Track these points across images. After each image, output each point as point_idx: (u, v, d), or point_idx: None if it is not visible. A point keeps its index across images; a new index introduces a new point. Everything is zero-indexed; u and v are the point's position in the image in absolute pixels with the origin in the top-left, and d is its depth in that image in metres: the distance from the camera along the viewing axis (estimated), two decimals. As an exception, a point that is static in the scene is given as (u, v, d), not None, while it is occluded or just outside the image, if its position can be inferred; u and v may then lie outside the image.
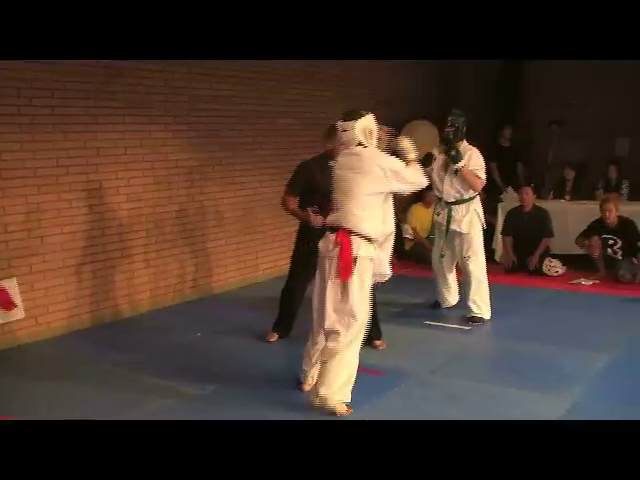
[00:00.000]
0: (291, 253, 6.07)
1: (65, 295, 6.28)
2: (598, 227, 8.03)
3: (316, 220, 5.41)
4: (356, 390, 4.78)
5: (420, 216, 9.34)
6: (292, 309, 6.00)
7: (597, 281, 7.91)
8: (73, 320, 6.34)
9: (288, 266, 6.10)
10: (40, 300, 6.09)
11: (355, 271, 4.37)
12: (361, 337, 4.50)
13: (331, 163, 5.03)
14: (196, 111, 7.34)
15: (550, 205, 8.84)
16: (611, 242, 7.95)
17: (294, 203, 5.73)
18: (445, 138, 6.33)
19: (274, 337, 6.04)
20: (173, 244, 7.26)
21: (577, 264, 8.24)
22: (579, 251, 8.26)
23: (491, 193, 9.86)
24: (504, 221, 8.73)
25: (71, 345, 5.99)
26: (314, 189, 5.52)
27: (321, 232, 4.81)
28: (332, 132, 5.28)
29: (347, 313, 4.39)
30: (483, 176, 6.32)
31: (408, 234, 9.06)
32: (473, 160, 6.27)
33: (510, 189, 9.67)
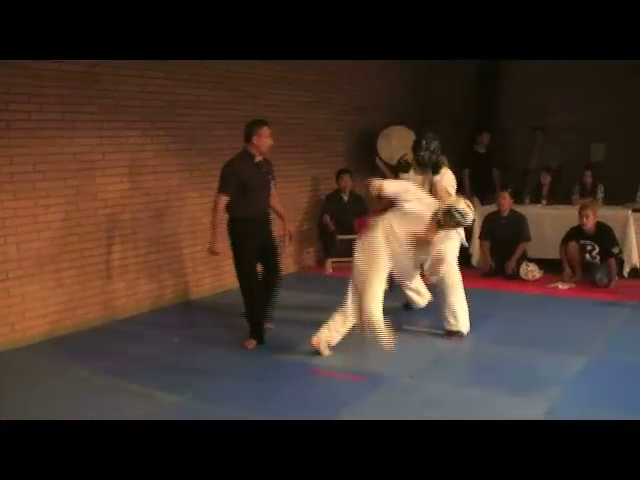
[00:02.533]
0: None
1: (42, 302, 6.23)
2: (576, 233, 8.09)
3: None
4: (335, 395, 4.81)
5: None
6: (258, 309, 6.02)
7: (574, 285, 7.98)
8: (50, 327, 6.30)
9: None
10: (16, 307, 6.04)
11: None
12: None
13: (255, 160, 5.81)
14: (174, 116, 7.33)
15: (527, 210, 8.90)
16: (589, 248, 8.01)
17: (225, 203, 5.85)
18: (420, 162, 6.35)
19: (251, 344, 6.02)
20: (150, 250, 7.24)
21: (554, 268, 8.30)
22: (556, 256, 8.32)
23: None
24: (481, 225, 8.78)
25: (48, 352, 5.94)
26: (247, 186, 5.77)
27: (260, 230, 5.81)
28: (251, 132, 5.86)
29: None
30: (453, 193, 6.34)
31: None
32: (446, 177, 6.33)
33: (475, 199, 9.54)
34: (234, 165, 5.86)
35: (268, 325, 6.19)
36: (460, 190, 9.59)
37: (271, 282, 6.19)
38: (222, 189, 5.80)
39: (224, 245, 5.95)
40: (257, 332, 6.02)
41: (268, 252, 6.13)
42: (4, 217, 5.88)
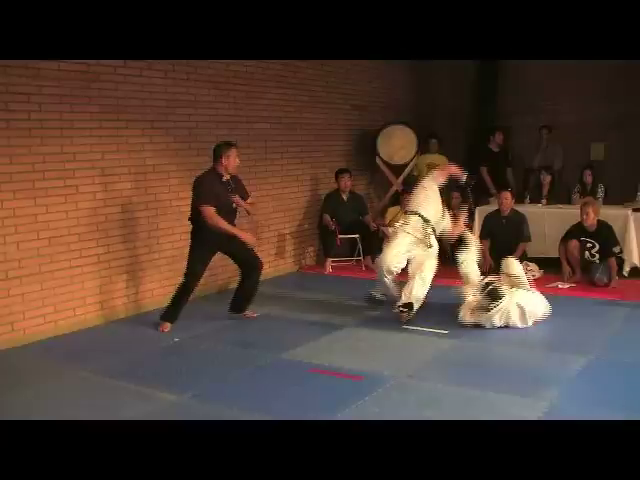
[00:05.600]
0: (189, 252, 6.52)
1: (41, 301, 6.23)
2: (577, 230, 8.09)
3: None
4: (334, 395, 4.80)
5: (397, 219, 9.38)
6: (184, 302, 6.51)
7: (574, 285, 7.97)
8: (49, 326, 6.30)
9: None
10: (16, 306, 6.04)
11: None
12: None
13: (223, 179, 6.28)
14: (173, 116, 7.33)
15: (527, 209, 8.89)
16: (589, 245, 8.01)
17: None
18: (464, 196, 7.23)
19: (167, 327, 6.47)
20: (150, 249, 7.24)
21: (554, 268, 8.29)
22: (555, 255, 8.32)
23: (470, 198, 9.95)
24: (482, 225, 8.77)
25: (48, 352, 5.94)
26: (219, 201, 6.22)
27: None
28: (220, 153, 6.29)
29: None
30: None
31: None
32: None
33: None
34: (205, 181, 6.30)
35: (249, 313, 6.79)
36: (480, 188, 9.68)
37: (249, 273, 6.66)
38: (205, 202, 6.20)
39: (251, 230, 6.63)
40: (173, 315, 6.52)
41: (237, 251, 6.56)
42: (4, 217, 5.87)
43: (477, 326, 6.29)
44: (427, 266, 6.61)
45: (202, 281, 7.80)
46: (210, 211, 6.16)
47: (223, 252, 6.61)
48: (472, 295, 6.44)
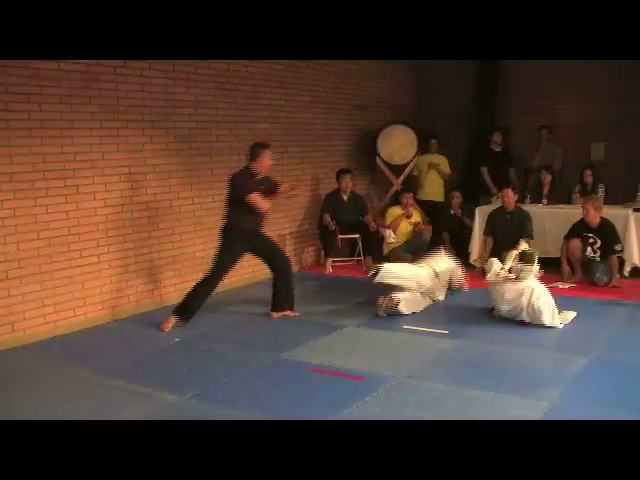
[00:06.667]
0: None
1: (42, 301, 6.23)
2: (580, 226, 8.11)
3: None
4: (334, 395, 4.80)
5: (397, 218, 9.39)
6: (202, 301, 6.56)
7: (574, 284, 7.97)
8: (49, 327, 6.30)
9: (215, 262, 6.58)
10: (17, 306, 6.04)
11: None
12: None
13: (257, 178, 6.49)
14: (173, 116, 7.32)
15: (528, 209, 8.89)
16: (591, 240, 8.03)
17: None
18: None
19: (172, 321, 6.49)
20: (151, 249, 7.23)
21: (554, 268, 8.29)
22: (556, 254, 8.32)
23: (471, 197, 9.96)
24: (486, 221, 8.78)
25: (48, 352, 5.94)
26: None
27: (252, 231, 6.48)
28: (256, 153, 6.48)
29: None
30: None
31: (392, 238, 9.08)
32: None
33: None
34: (241, 177, 6.49)
35: (290, 312, 6.90)
36: (476, 187, 9.75)
37: (283, 274, 6.82)
38: (249, 191, 6.37)
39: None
40: (187, 313, 6.56)
41: (264, 251, 6.78)
42: (4, 217, 5.87)
43: (478, 325, 6.30)
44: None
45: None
46: (257, 197, 6.35)
47: (251, 252, 6.78)
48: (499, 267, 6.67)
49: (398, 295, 6.68)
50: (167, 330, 6.42)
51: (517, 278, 6.44)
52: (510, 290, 6.44)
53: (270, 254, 6.80)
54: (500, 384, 4.97)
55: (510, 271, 6.51)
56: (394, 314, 6.67)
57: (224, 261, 6.54)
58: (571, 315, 6.57)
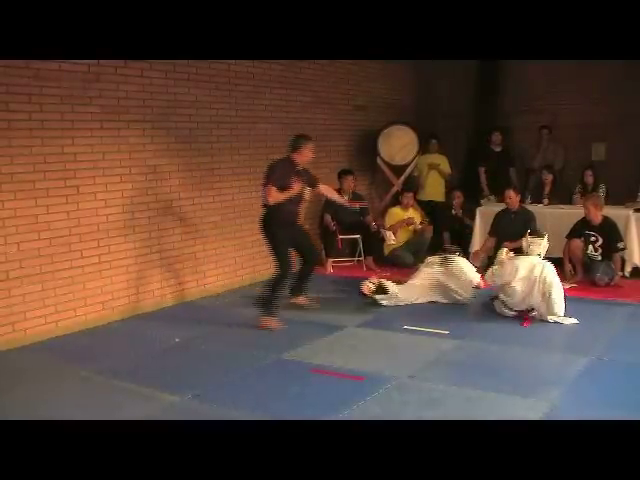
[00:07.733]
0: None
1: (42, 302, 6.23)
2: (582, 225, 8.12)
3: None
4: (335, 395, 4.79)
5: (398, 218, 9.40)
6: (281, 294, 6.66)
7: (574, 284, 7.96)
8: (50, 327, 6.30)
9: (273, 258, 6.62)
10: (17, 307, 6.04)
11: None
12: None
13: (297, 169, 6.53)
14: (174, 116, 7.32)
15: (529, 209, 8.90)
16: (593, 239, 8.03)
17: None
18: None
19: (272, 321, 6.51)
20: (151, 250, 7.23)
21: (556, 267, 8.27)
22: (557, 254, 8.31)
23: (471, 197, 9.97)
24: (492, 222, 8.79)
25: (49, 352, 5.94)
26: (287, 188, 6.43)
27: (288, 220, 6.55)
28: (299, 144, 6.55)
29: None
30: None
31: (392, 240, 9.08)
32: None
33: (492, 197, 9.81)
34: (278, 167, 6.52)
35: (304, 300, 7.23)
36: (476, 187, 9.81)
37: (311, 266, 7.07)
38: (268, 183, 6.40)
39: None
40: (273, 307, 6.59)
41: (300, 242, 6.89)
42: (4, 217, 5.87)
43: (479, 325, 6.30)
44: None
45: (202, 282, 7.85)
46: (271, 190, 6.36)
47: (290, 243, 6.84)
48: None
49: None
50: (275, 325, 6.51)
51: (527, 253, 6.75)
52: (523, 264, 6.65)
53: (304, 246, 6.92)
54: (501, 384, 4.97)
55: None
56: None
57: (281, 252, 6.57)
58: (571, 321, 6.56)
